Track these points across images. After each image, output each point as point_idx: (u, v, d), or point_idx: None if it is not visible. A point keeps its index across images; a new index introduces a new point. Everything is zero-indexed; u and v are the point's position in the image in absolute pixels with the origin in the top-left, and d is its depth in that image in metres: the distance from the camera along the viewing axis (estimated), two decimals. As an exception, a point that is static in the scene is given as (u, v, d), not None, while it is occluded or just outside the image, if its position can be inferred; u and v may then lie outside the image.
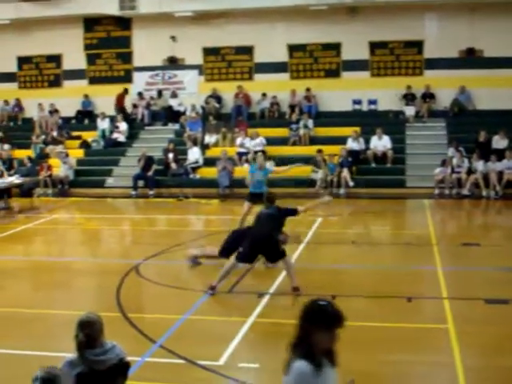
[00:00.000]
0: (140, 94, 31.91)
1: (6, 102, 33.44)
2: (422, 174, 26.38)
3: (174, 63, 32.06)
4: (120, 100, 31.75)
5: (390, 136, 27.49)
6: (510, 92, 27.87)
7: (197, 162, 28.11)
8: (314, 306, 5.07)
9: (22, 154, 29.50)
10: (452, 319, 10.65)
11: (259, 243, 12.56)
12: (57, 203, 26.20)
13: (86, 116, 32.77)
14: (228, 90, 31.21)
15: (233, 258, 12.59)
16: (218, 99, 31.36)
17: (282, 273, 13.58)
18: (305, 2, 28.53)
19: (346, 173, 25.98)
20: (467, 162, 25.67)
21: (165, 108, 31.77)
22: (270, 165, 26.52)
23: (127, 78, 32.70)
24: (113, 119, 31.14)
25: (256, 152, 26.98)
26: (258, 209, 14.56)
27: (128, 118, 31.42)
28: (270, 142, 28.28)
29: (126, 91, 31.90)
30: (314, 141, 28.49)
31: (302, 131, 28.70)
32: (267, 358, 9.58)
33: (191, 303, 11.85)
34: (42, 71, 33.71)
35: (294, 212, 13.28)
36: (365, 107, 30.65)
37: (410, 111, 29.20)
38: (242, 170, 26.71)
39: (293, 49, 30.88)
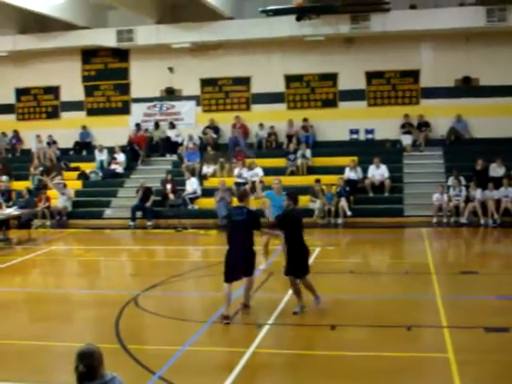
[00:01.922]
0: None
1: (4, 134, 33.53)
2: (420, 202, 26.46)
3: (171, 94, 32.21)
4: (139, 139, 31.72)
5: (388, 165, 27.58)
6: (506, 120, 28.05)
7: (195, 193, 28.14)
8: None
9: (20, 185, 29.54)
10: (452, 348, 10.60)
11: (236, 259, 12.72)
12: (55, 234, 26.19)
13: (84, 147, 32.84)
14: (225, 121, 31.33)
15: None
16: (216, 130, 31.45)
17: (280, 303, 13.56)
18: (301, 33, 28.69)
19: (343, 202, 26.00)
20: (465, 191, 25.72)
21: (162, 139, 31.82)
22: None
23: (125, 109, 32.82)
24: (111, 150, 31.20)
25: (253, 182, 27.12)
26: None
27: (137, 154, 31.42)
28: (268, 172, 28.30)
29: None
30: (311, 171, 28.55)
31: (299, 161, 28.74)
32: (267, 389, 9.57)
33: (191, 334, 11.81)
34: (40, 103, 33.84)
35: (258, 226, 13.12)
36: (362, 137, 30.76)
37: (406, 140, 29.30)
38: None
39: (289, 79, 31.05)
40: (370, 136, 30.67)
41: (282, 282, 14.96)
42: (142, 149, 31.28)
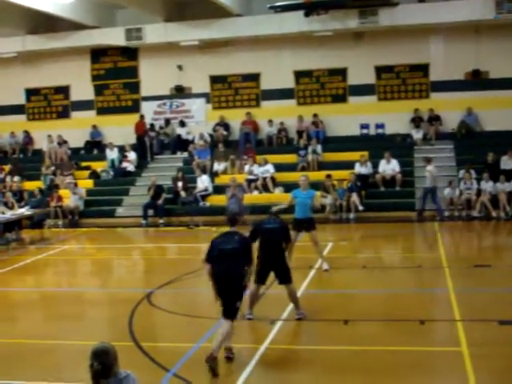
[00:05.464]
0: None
1: (13, 134, 33.61)
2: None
3: (181, 92, 32.22)
4: (140, 128, 31.86)
5: (399, 159, 27.53)
6: (517, 113, 27.97)
7: (206, 190, 28.14)
8: None
9: (31, 185, 29.58)
10: (465, 341, 10.58)
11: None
12: (67, 234, 26.27)
13: (95, 146, 32.92)
14: (235, 118, 31.33)
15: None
16: (226, 127, 31.46)
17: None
18: (310, 29, 28.68)
19: (355, 197, 25.96)
20: (476, 184, 25.65)
21: (173, 137, 31.84)
22: (279, 191, 26.80)
23: (135, 107, 32.85)
24: (122, 149, 31.25)
25: (265, 178, 27.20)
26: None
27: (144, 146, 31.50)
28: (279, 168, 28.33)
29: (142, 117, 32.06)
30: (322, 166, 28.52)
31: (310, 157, 28.71)
32: (281, 385, 9.57)
33: (204, 331, 11.83)
34: (51, 103, 33.93)
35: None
36: (372, 131, 30.68)
37: (417, 134, 29.23)
38: (252, 197, 26.80)
39: (299, 75, 31.02)
40: (380, 130, 30.60)
41: (295, 278, 14.96)
42: (145, 136, 31.50)
